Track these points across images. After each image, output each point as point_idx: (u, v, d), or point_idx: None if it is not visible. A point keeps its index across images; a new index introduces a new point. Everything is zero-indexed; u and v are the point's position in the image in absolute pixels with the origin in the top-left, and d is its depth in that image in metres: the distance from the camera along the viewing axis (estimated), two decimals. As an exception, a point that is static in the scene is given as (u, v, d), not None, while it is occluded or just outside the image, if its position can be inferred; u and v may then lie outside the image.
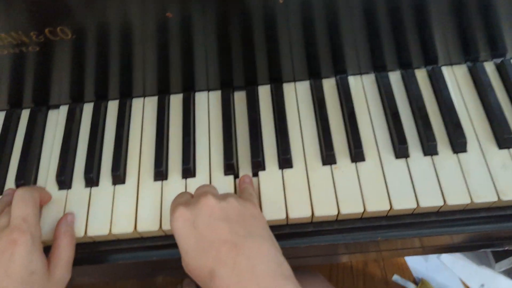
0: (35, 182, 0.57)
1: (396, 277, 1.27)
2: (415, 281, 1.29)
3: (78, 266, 0.53)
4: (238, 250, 0.41)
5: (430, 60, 0.59)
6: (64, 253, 0.49)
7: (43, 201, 0.53)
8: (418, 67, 0.59)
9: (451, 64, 0.59)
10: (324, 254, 0.60)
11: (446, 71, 0.59)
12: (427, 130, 0.53)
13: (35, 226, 0.47)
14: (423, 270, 1.27)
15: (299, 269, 0.76)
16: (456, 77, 0.59)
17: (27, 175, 0.56)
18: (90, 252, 0.54)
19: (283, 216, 0.51)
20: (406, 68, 0.59)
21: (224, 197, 0.45)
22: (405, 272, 1.27)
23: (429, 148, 0.53)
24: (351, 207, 0.51)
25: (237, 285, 0.39)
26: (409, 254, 1.22)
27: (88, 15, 0.47)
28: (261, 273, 0.40)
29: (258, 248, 0.41)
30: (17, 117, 0.61)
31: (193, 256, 0.43)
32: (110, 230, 0.52)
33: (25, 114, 0.62)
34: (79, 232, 0.52)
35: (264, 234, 0.44)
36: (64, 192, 0.55)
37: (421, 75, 0.59)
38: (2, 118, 0.61)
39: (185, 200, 0.46)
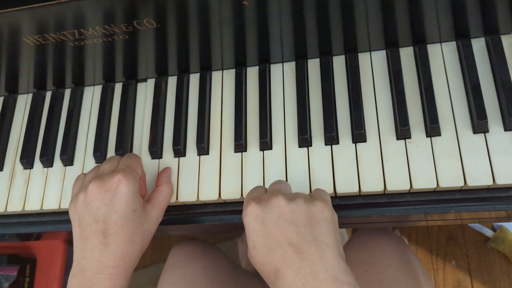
0: (131, 151, 0.64)
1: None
2: (493, 228, 1.27)
3: (171, 225, 0.61)
4: (302, 255, 0.43)
5: (520, 25, 0.55)
6: (163, 198, 0.56)
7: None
8: (505, 33, 0.56)
9: (544, 28, 0.55)
10: (397, 220, 0.62)
11: (538, 36, 0.55)
12: (510, 105, 0.51)
13: (136, 173, 0.53)
14: (503, 217, 1.24)
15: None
16: (548, 45, 0.54)
17: (125, 145, 0.63)
18: (181, 214, 0.61)
19: (356, 189, 0.53)
20: (491, 34, 0.56)
21: (294, 197, 0.46)
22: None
23: (511, 123, 0.51)
24: (424, 183, 0.52)
25: None
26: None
27: (170, 7, 0.50)
28: (323, 279, 0.41)
29: (321, 255, 0.43)
30: (111, 90, 0.68)
31: (261, 251, 0.45)
32: (198, 197, 0.58)
33: (118, 87, 0.68)
34: (171, 198, 0.59)
35: (329, 240, 0.45)
36: (156, 161, 0.62)
37: (508, 42, 0.55)
38: (99, 92, 0.68)
39: (258, 195, 0.48)
